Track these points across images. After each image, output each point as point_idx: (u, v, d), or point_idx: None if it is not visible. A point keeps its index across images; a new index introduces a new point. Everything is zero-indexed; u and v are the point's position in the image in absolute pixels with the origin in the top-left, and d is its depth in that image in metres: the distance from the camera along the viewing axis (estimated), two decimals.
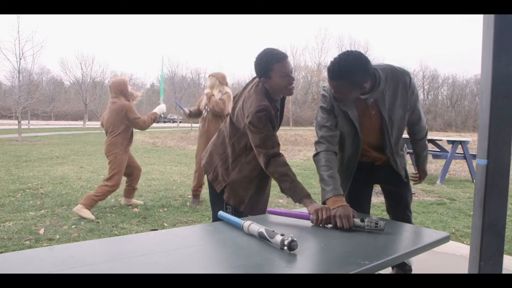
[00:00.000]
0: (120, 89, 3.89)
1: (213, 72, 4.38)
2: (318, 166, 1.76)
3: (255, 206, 1.94)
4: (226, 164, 1.95)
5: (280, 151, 1.80)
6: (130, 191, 4.35)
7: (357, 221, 1.53)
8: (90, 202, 3.77)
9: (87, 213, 3.72)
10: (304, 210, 1.70)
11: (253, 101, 1.80)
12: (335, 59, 1.66)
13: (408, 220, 2.07)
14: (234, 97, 2.06)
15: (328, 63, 1.67)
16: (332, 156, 1.77)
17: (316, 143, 1.83)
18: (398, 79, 1.79)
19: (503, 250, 1.76)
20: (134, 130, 4.02)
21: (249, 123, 1.77)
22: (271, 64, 1.78)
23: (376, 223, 1.51)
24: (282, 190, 1.76)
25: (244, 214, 1.92)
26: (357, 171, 1.99)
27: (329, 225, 1.58)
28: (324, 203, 1.67)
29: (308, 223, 1.62)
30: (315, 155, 1.81)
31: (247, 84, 1.99)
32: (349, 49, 1.71)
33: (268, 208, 1.72)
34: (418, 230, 1.71)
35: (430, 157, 7.03)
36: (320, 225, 1.57)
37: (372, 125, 1.86)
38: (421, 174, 2.19)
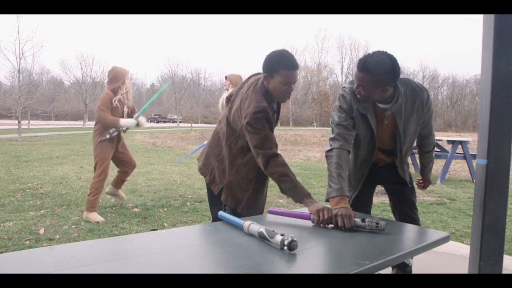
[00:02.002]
0: (112, 76, 3.82)
1: (230, 74, 4.37)
2: (330, 163, 1.76)
3: (252, 207, 1.92)
4: (222, 166, 1.94)
5: (279, 151, 1.79)
6: (119, 182, 4.20)
7: (358, 221, 1.54)
8: (90, 204, 3.77)
9: (94, 216, 3.75)
10: (304, 210, 1.70)
11: (251, 101, 1.79)
12: (369, 53, 1.68)
13: (416, 219, 2.07)
14: (229, 98, 2.05)
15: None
16: (345, 155, 1.77)
17: (332, 139, 1.82)
18: (417, 95, 1.82)
19: (503, 250, 1.76)
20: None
21: (246, 124, 1.76)
22: (279, 67, 1.76)
23: (377, 223, 1.51)
24: (282, 191, 1.76)
25: (241, 215, 1.91)
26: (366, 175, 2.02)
27: (330, 225, 1.58)
28: (327, 200, 1.68)
29: (308, 223, 1.62)
30: (328, 151, 1.80)
31: (243, 84, 1.97)
32: (370, 50, 1.73)
33: (269, 208, 1.72)
34: (418, 230, 1.71)
35: None
36: (321, 225, 1.57)
37: (383, 134, 1.89)
38: (425, 183, 2.26)
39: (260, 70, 1.88)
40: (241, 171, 1.90)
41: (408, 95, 1.81)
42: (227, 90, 4.23)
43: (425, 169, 2.21)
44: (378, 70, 1.63)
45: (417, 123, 1.87)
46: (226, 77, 4.31)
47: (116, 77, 3.80)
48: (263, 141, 1.74)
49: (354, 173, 2.03)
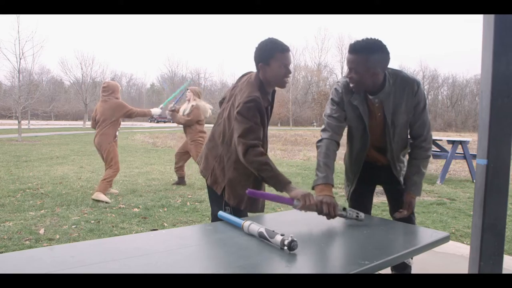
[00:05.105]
0: (113, 90, 4.55)
1: (191, 87, 5.54)
2: (319, 153, 1.83)
3: (254, 203, 1.93)
4: (221, 165, 1.94)
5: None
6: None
7: (339, 209, 1.63)
8: (105, 187, 4.52)
9: (103, 197, 4.44)
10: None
11: (243, 93, 1.83)
12: (358, 39, 1.75)
13: (412, 221, 2.03)
14: (221, 101, 2.07)
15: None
16: (333, 145, 1.83)
17: (322, 130, 1.90)
18: (406, 85, 1.81)
19: (503, 250, 1.76)
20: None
21: (237, 113, 1.78)
22: (274, 52, 1.81)
23: (357, 214, 1.63)
24: (263, 179, 1.77)
25: (244, 212, 1.91)
26: (363, 172, 2.01)
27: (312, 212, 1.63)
28: (313, 188, 1.74)
29: (308, 224, 1.62)
30: (318, 141, 1.88)
31: (236, 83, 1.99)
32: None
33: (248, 189, 1.69)
34: (418, 230, 1.71)
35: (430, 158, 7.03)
36: (304, 210, 1.62)
37: (376, 126, 1.89)
38: (408, 205, 1.90)
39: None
40: (239, 168, 1.89)
41: (397, 84, 1.80)
42: (189, 101, 5.30)
43: (407, 182, 1.92)
44: (367, 50, 1.69)
45: (407, 115, 1.84)
46: (188, 89, 5.43)
47: (115, 90, 4.56)
48: (248, 131, 1.76)
49: (350, 166, 2.05)
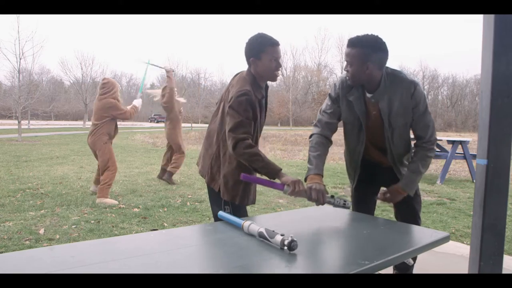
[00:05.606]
0: (113, 87, 4.48)
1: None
2: (310, 147, 1.94)
3: (246, 196, 1.96)
4: (218, 162, 1.96)
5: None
6: (99, 180, 4.67)
7: (328, 196, 1.71)
8: (106, 192, 4.43)
9: (108, 201, 4.40)
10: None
11: (235, 87, 1.87)
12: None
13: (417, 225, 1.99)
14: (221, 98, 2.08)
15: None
16: (322, 139, 1.92)
17: (314, 125, 1.98)
18: (402, 86, 1.79)
19: (503, 250, 1.76)
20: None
21: (229, 107, 1.82)
22: (264, 45, 1.86)
23: (344, 201, 1.73)
24: (255, 169, 1.81)
25: (241, 207, 1.93)
26: (364, 171, 2.01)
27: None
28: (305, 179, 1.81)
29: (308, 224, 1.62)
30: (309, 137, 1.98)
31: (230, 82, 2.01)
32: None
33: (242, 174, 1.75)
34: (418, 230, 1.71)
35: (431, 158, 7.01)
36: (293, 196, 1.70)
37: (374, 125, 1.88)
38: (391, 194, 1.91)
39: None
40: (233, 162, 1.91)
41: (394, 85, 1.80)
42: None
43: (404, 176, 1.90)
44: (363, 44, 1.73)
45: (405, 117, 1.82)
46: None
47: (114, 88, 4.50)
48: (238, 126, 1.79)
49: (349, 163, 2.07)
